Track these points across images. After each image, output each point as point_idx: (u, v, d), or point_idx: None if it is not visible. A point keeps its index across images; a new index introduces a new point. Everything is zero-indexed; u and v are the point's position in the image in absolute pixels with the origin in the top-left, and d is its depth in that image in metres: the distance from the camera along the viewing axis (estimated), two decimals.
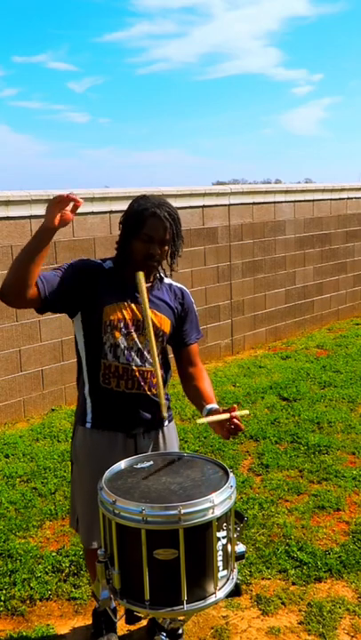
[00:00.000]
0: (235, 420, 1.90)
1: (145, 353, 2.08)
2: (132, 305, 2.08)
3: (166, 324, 2.14)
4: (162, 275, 2.20)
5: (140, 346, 2.08)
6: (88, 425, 2.16)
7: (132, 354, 2.08)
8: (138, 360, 2.08)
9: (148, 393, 2.11)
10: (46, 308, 2.03)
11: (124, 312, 2.07)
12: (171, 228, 2.04)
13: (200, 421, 1.93)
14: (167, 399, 2.24)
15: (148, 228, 2.02)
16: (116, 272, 2.12)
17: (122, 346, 2.07)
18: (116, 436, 2.13)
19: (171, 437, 2.26)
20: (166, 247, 2.08)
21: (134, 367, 2.08)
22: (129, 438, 2.13)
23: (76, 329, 2.16)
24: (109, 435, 2.13)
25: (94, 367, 2.12)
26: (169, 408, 2.26)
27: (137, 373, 2.08)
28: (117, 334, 2.06)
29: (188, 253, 6.08)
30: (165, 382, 2.21)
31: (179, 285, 2.25)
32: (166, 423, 2.23)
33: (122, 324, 2.06)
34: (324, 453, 4.04)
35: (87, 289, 2.06)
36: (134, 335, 2.08)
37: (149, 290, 2.10)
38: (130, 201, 2.14)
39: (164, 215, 2.02)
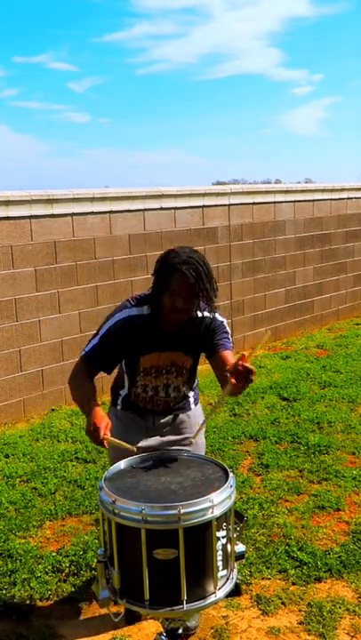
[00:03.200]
0: (244, 364, 1.87)
1: (170, 388, 2.34)
2: (164, 353, 2.27)
3: (188, 361, 2.33)
4: (199, 313, 2.26)
5: (165, 382, 2.32)
6: (118, 407, 2.44)
7: (159, 389, 2.34)
8: (162, 393, 2.34)
9: (171, 405, 2.39)
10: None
11: (155, 359, 2.27)
12: (196, 284, 2.10)
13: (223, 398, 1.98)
14: (194, 389, 2.48)
15: (174, 283, 2.11)
16: (151, 322, 2.22)
17: (150, 385, 2.33)
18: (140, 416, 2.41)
19: (196, 416, 2.47)
20: (195, 300, 2.15)
21: (160, 397, 2.35)
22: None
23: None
24: (132, 415, 2.41)
25: (130, 386, 2.37)
26: (194, 389, 2.47)
27: (161, 400, 2.36)
28: (148, 378, 2.31)
29: None
30: (196, 399, 2.49)
31: (209, 315, 2.30)
32: (192, 407, 2.45)
33: (153, 370, 2.29)
34: (324, 453, 4.04)
35: (128, 345, 2.25)
36: (163, 376, 2.31)
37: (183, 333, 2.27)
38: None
39: (191, 272, 2.09)
